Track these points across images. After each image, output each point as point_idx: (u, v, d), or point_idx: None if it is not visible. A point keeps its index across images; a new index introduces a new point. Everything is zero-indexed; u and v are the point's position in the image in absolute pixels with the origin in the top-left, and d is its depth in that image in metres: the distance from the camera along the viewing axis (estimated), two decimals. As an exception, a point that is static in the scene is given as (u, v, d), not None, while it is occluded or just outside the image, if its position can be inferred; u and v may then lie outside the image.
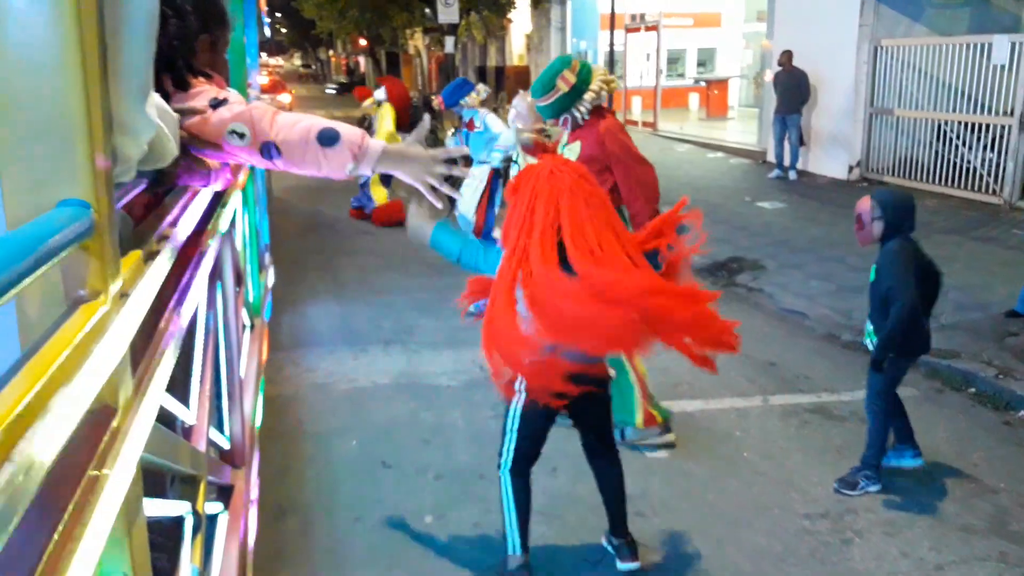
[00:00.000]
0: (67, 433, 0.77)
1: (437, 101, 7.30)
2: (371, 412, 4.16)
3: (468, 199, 7.00)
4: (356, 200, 9.63)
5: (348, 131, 1.72)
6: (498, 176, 7.07)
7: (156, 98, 1.44)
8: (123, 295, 1.02)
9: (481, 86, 7.19)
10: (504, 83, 24.00)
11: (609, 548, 2.98)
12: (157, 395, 1.22)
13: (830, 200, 9.85)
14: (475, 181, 7.06)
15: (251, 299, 3.74)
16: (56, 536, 0.76)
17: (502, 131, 6.89)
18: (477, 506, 3.30)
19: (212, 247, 2.01)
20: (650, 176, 3.80)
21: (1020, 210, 8.48)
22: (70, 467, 0.82)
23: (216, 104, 1.68)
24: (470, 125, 7.08)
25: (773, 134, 11.52)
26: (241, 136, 1.65)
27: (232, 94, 1.75)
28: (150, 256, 1.27)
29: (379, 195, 9.38)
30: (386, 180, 9.35)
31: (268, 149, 1.67)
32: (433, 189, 1.81)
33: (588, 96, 3.74)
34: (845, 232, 8.30)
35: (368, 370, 4.73)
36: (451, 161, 1.90)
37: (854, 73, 10.58)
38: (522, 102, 5.61)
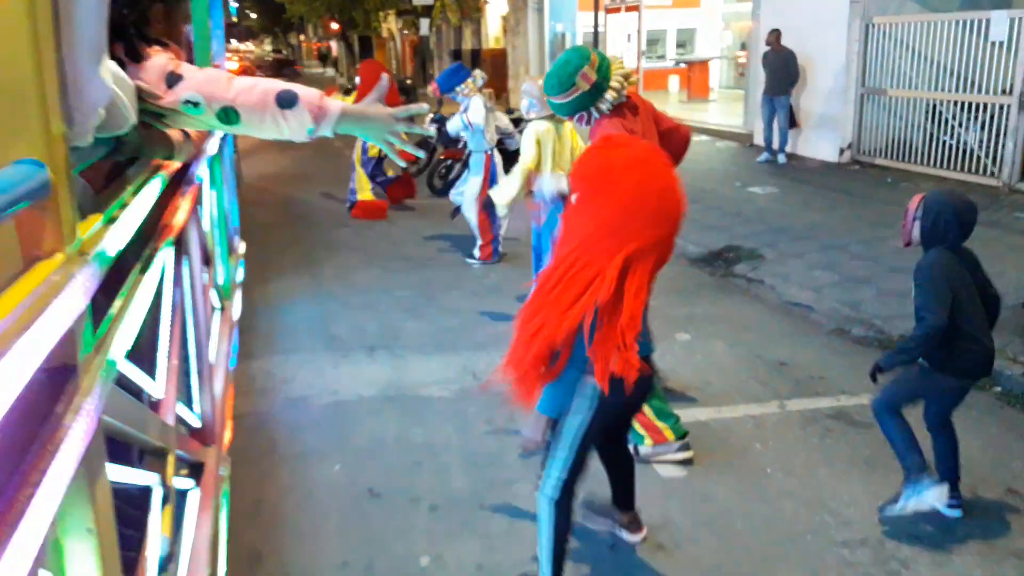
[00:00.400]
0: (21, 386, 0.79)
1: (432, 88, 6.88)
2: (355, 430, 3.78)
3: (471, 186, 6.69)
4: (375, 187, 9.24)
5: (306, 93, 1.71)
6: (492, 161, 6.74)
7: (112, 65, 1.42)
8: (82, 254, 1.03)
9: (478, 72, 6.78)
10: (480, 67, 23.45)
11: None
12: (118, 358, 1.25)
13: (823, 184, 9.56)
14: (476, 168, 6.73)
15: (220, 282, 3.68)
16: (15, 481, 0.80)
17: (476, 116, 6.53)
18: (478, 543, 2.93)
19: (178, 219, 2.03)
20: None
21: (1020, 192, 8.23)
22: (27, 419, 0.87)
23: (171, 82, 1.67)
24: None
25: (761, 116, 11.20)
26: (195, 105, 1.66)
27: (186, 68, 1.72)
28: (111, 221, 1.27)
29: (363, 189, 9.07)
30: (372, 177, 9.06)
31: (227, 113, 1.67)
32: (393, 147, 1.82)
33: (609, 95, 3.43)
34: (844, 218, 8.01)
35: (351, 380, 4.34)
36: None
37: (845, 52, 10.26)
38: (534, 86, 5.25)
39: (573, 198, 2.20)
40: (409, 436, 3.69)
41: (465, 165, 10.12)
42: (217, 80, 1.69)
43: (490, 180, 6.70)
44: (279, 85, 1.71)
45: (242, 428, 3.65)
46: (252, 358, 4.58)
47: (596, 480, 2.78)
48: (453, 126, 6.81)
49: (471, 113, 6.53)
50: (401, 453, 3.54)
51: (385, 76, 2.01)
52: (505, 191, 5.49)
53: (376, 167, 9.12)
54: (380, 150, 8.90)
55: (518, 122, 9.68)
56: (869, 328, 5.23)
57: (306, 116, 1.69)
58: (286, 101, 1.68)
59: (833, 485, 3.34)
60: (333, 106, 1.73)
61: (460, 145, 10.25)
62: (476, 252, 6.81)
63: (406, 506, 3.15)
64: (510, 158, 10.04)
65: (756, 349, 4.89)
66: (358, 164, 9.01)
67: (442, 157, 10.15)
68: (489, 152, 6.72)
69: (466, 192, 6.78)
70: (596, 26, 9.43)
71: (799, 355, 4.80)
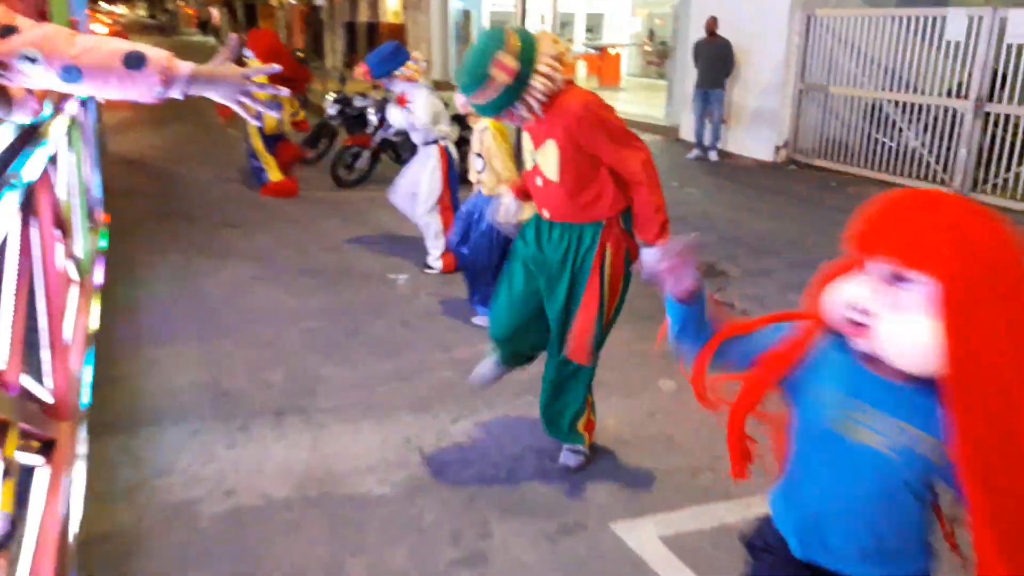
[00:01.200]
0: None
1: (361, 71, 5.63)
2: (264, 565, 2.61)
3: (427, 191, 5.57)
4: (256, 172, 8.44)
5: (155, 54, 1.64)
6: (448, 153, 5.64)
7: None
8: None
9: (418, 55, 5.61)
10: (377, 42, 21.99)
11: None
12: None
13: (764, 186, 8.91)
14: (429, 167, 5.59)
15: (79, 255, 3.58)
16: None
17: (420, 110, 5.43)
18: None
19: (23, 178, 2.02)
20: (647, 154, 2.90)
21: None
22: None
23: (3, 34, 1.56)
24: (402, 100, 5.52)
25: (693, 110, 10.49)
26: (33, 61, 1.56)
27: (22, 21, 1.60)
28: None
29: (272, 170, 8.17)
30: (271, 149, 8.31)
31: (69, 72, 1.58)
32: (245, 107, 1.76)
33: (539, 83, 2.65)
34: (799, 227, 7.30)
35: (253, 469, 3.15)
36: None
37: (785, 44, 9.66)
38: None
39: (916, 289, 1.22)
40: (345, 574, 2.57)
41: (377, 155, 8.94)
42: (56, 36, 1.58)
43: (450, 178, 5.59)
44: (126, 45, 1.64)
45: (95, 562, 2.45)
46: (111, 432, 3.32)
47: None
48: (395, 120, 5.66)
49: (417, 109, 5.38)
50: (337, 607, 2.43)
51: (234, 37, 1.89)
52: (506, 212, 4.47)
53: (272, 146, 8.16)
54: (279, 125, 8.09)
55: None
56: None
57: (154, 78, 1.62)
58: (133, 62, 1.61)
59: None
60: (183, 67, 1.66)
61: (368, 130, 9.03)
62: (434, 261, 5.70)
63: None
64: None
65: (756, 401, 4.03)
66: (258, 142, 8.04)
67: (347, 144, 8.89)
68: (442, 143, 5.58)
69: (420, 194, 5.63)
70: (524, 7, 8.39)
71: (808, 410, 3.96)
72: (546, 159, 2.87)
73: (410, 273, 5.75)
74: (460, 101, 4.40)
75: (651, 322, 2.82)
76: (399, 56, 5.42)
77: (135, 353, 4.17)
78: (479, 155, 4.51)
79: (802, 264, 6.08)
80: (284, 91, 1.94)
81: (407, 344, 4.46)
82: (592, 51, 19.92)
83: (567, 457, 3.25)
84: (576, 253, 2.97)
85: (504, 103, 2.69)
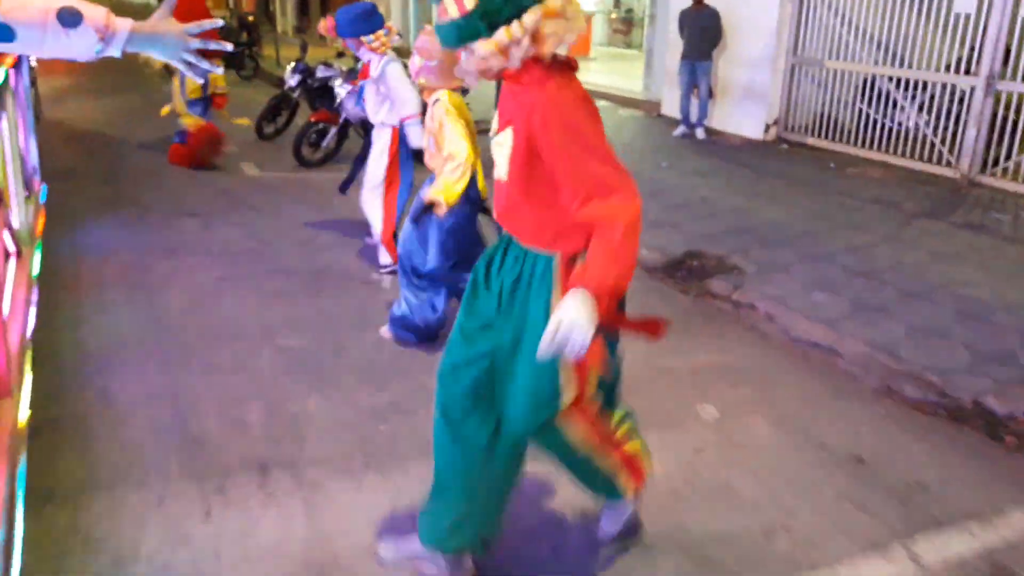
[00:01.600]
0: None
1: (326, 25, 4.85)
2: None
3: (372, 171, 4.93)
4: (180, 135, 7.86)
5: (92, 10, 1.60)
6: (402, 135, 4.97)
7: None
8: None
9: (392, 25, 4.88)
10: (331, 7, 20.95)
11: None
12: None
13: (759, 168, 8.41)
14: (379, 147, 4.94)
15: (16, 226, 3.54)
16: None
17: (407, 96, 4.75)
18: None
19: None
20: (636, 203, 1.90)
21: (981, 186, 7.41)
22: None
23: None
24: (365, 72, 4.84)
25: (679, 84, 9.92)
26: None
27: None
28: None
29: (190, 121, 7.58)
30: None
31: (0, 30, 1.52)
32: (190, 65, 1.72)
33: (491, 44, 1.92)
34: (807, 214, 6.77)
35: (237, 552, 2.52)
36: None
37: (777, 15, 9.11)
38: (428, 39, 3.68)
39: None
40: None
41: (345, 132, 8.22)
42: None
43: (401, 162, 4.94)
44: (60, 1, 1.55)
45: None
46: (55, 503, 2.66)
47: None
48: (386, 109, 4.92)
49: (400, 88, 4.69)
50: None
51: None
52: (445, 191, 3.78)
53: (203, 111, 7.59)
54: (202, 89, 7.37)
55: None
56: (926, 388, 4.00)
57: (92, 36, 1.57)
58: (69, 19, 1.55)
59: None
60: (121, 24, 1.61)
61: (336, 105, 8.29)
62: (386, 258, 5.07)
63: None
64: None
65: (807, 430, 3.54)
66: (178, 98, 7.48)
67: (312, 120, 8.13)
68: (397, 126, 4.93)
69: (367, 177, 5.00)
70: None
71: (865, 440, 3.49)
72: (501, 149, 2.12)
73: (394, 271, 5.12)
74: (413, 66, 3.76)
75: (673, 330, 2.11)
76: (373, 20, 4.70)
77: (80, 387, 3.48)
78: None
79: (820, 258, 5.62)
80: (228, 46, 1.81)
81: (403, 365, 3.85)
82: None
83: (608, 523, 2.66)
84: (530, 280, 2.15)
85: (449, 41, 1.97)
